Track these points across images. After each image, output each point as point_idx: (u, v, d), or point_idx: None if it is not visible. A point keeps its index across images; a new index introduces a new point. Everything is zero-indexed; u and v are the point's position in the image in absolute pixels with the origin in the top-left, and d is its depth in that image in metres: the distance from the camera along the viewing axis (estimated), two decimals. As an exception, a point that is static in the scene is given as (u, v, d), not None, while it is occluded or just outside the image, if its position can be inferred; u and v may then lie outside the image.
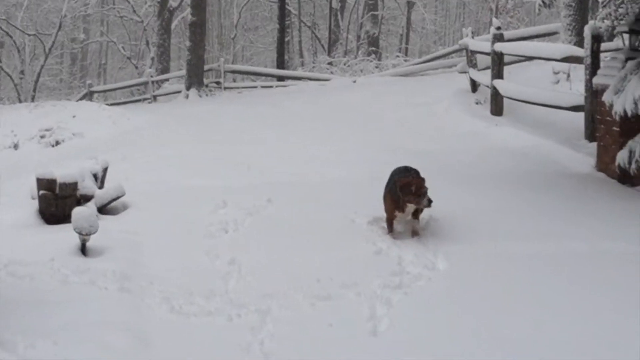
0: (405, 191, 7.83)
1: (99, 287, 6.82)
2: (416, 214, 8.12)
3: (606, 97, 10.41)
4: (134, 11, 42.94)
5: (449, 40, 54.56)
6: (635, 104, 9.55)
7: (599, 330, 5.97)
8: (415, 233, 8.10)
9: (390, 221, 8.22)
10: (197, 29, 29.46)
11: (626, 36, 10.96)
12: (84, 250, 7.66)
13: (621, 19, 11.12)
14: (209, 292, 6.77)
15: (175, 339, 5.90)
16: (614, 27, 11.17)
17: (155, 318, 6.29)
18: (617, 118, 10.22)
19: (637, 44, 10.82)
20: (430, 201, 7.77)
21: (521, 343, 5.80)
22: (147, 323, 6.17)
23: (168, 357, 5.62)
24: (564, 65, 16.15)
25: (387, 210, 8.24)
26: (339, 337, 5.92)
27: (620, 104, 9.84)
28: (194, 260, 7.63)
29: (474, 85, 19.18)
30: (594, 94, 11.82)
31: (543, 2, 11.85)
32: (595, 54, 12.45)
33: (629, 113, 9.72)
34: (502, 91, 15.89)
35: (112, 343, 5.73)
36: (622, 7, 11.12)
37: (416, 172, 8.30)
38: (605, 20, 11.71)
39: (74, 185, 9.05)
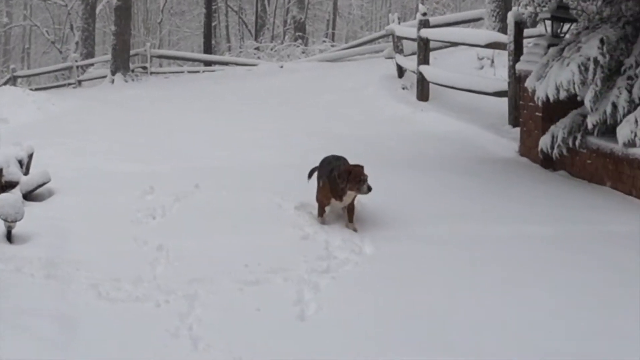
0: (347, 178, 7.81)
1: (24, 274, 6.74)
2: (351, 203, 8.10)
3: (529, 83, 10.62)
4: (59, -5, 42.35)
5: (376, 25, 54.72)
6: (557, 89, 9.76)
7: (511, 303, 6.23)
8: (351, 224, 8.10)
9: (322, 207, 8.22)
10: (123, 13, 29.18)
11: (549, 23, 11.16)
12: (9, 237, 7.57)
13: (544, 6, 11.34)
14: (137, 278, 6.72)
15: (102, 325, 5.86)
16: (536, 14, 11.37)
17: (82, 304, 6.22)
18: (540, 103, 10.44)
19: (559, 30, 11.04)
20: (370, 188, 7.79)
21: (439, 317, 5.98)
22: (73, 309, 6.10)
23: (95, 342, 5.57)
24: (489, 51, 16.44)
25: (322, 197, 8.19)
26: (267, 322, 5.95)
27: (542, 89, 10.06)
28: (122, 246, 7.57)
29: (401, 71, 19.39)
30: (517, 79, 12.06)
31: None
32: (518, 40, 12.69)
33: (551, 98, 9.94)
34: (428, 77, 16.09)
35: (38, 329, 5.67)
36: (544, -7, 11.33)
37: (344, 160, 8.33)
38: (528, 7, 11.93)
39: (-2, 172, 8.95)
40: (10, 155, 9.37)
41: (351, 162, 8.31)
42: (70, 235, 7.89)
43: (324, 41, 37.91)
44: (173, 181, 9.85)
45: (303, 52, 33.45)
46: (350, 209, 8.12)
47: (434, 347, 5.52)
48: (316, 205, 8.37)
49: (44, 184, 9.46)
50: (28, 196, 9.21)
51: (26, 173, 9.59)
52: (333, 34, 46.26)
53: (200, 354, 5.47)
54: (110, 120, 16.69)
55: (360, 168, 7.93)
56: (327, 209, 8.24)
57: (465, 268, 7.02)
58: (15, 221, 7.53)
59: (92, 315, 6.06)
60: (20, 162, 9.51)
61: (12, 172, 9.18)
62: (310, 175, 8.83)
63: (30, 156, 9.84)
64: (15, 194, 8.70)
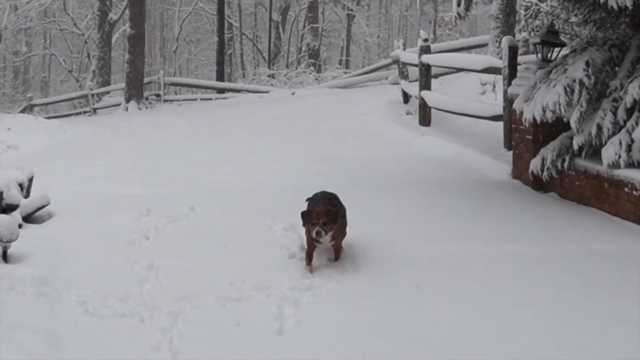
0: (304, 218, 7.56)
1: (17, 291, 7.02)
2: (337, 243, 7.72)
3: (517, 105, 10.84)
4: (75, 24, 42.90)
5: (391, 52, 54.99)
6: (544, 110, 9.96)
7: (493, 320, 6.37)
8: (334, 259, 7.78)
9: (308, 253, 7.71)
10: (136, 42, 29.59)
11: (539, 47, 11.39)
12: (5, 257, 7.85)
13: (536, 32, 11.57)
14: (124, 295, 6.97)
15: (87, 339, 6.10)
16: (527, 40, 11.62)
17: (69, 320, 6.47)
18: (528, 125, 10.64)
19: (549, 55, 11.26)
20: (318, 233, 7.33)
21: (418, 334, 6.13)
22: (61, 325, 6.36)
23: (79, 355, 5.82)
24: (491, 77, 16.63)
25: (307, 241, 7.76)
26: (246, 336, 6.15)
27: (529, 111, 10.26)
28: (113, 266, 7.82)
29: (406, 97, 19.64)
30: (510, 103, 12.23)
31: (458, 14, 12.19)
32: (512, 65, 12.90)
33: (538, 120, 10.14)
34: (429, 102, 16.32)
35: (26, 344, 5.92)
36: (538, 20, 11.57)
37: (334, 197, 8.04)
38: (522, 32, 12.18)
39: (-1, 195, 9.23)
40: (11, 178, 9.68)
41: (346, 188, 8.52)
42: (64, 255, 8.16)
43: (337, 68, 38.24)
44: (170, 204, 10.12)
45: (316, 79, 33.76)
46: (336, 248, 7.78)
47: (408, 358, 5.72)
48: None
49: (43, 206, 9.74)
50: (28, 218, 9.51)
51: (26, 196, 9.88)
52: (347, 60, 46.60)
53: (178, 366, 5.69)
54: (117, 146, 17.05)
55: (319, 210, 7.48)
56: (315, 254, 7.71)
57: (448, 286, 7.18)
58: (10, 241, 7.81)
59: (79, 330, 6.31)
60: (20, 186, 9.82)
61: (13, 195, 9.48)
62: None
63: (31, 180, 10.14)
64: (15, 216, 8.99)
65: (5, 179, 9.56)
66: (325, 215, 7.39)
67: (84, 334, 6.22)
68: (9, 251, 7.90)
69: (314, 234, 7.36)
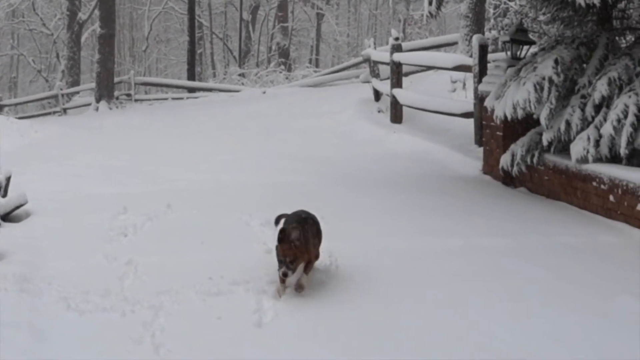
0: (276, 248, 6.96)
1: (-1, 289, 7.12)
2: (306, 267, 7.10)
3: (488, 102, 11.03)
4: (44, 24, 42.77)
5: (362, 51, 55.16)
6: (514, 108, 10.15)
7: (459, 312, 6.55)
8: (299, 287, 6.95)
9: (280, 283, 7.05)
10: (106, 41, 29.58)
11: (508, 45, 11.59)
12: (-16, 255, 7.94)
13: (506, 30, 11.77)
14: (105, 291, 7.07)
15: (69, 334, 6.21)
16: (497, 38, 11.81)
17: (52, 315, 6.57)
18: (498, 122, 10.84)
19: (518, 53, 11.46)
20: (285, 275, 6.81)
21: (391, 325, 6.30)
22: (44, 320, 6.46)
23: (62, 350, 5.92)
24: (461, 74, 16.83)
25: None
26: (226, 329, 6.29)
27: (500, 108, 10.45)
28: (92, 262, 7.91)
29: (377, 95, 19.79)
30: (481, 100, 12.42)
31: (430, 13, 12.38)
32: (482, 62, 13.10)
33: (509, 117, 10.34)
34: (400, 100, 16.50)
35: (8, 339, 6.00)
36: (507, 18, 11.76)
37: (312, 219, 7.50)
38: (492, 31, 12.39)
39: (-24, 194, 9.30)
40: (-12, 178, 9.73)
41: (319, 185, 8.59)
42: (44, 252, 8.25)
43: (307, 67, 38.40)
44: (146, 202, 10.21)
45: (286, 78, 33.89)
46: (302, 284, 6.97)
47: (383, 351, 5.88)
48: None
49: (21, 205, 9.81)
50: (6, 217, 9.56)
51: (4, 195, 9.93)
52: (317, 59, 46.75)
53: (161, 359, 5.80)
54: (89, 146, 17.10)
55: (284, 247, 6.87)
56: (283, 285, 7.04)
57: (419, 279, 7.36)
58: (-11, 240, 7.89)
59: (61, 325, 6.40)
60: (-2, 185, 9.87)
61: (-10, 194, 9.54)
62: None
63: (8, 179, 10.19)
64: (-8, 215, 9.07)
65: (-17, 179, 9.64)
66: (292, 253, 6.83)
67: (66, 329, 6.31)
68: (-12, 249, 7.99)
69: (280, 274, 6.83)
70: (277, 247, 6.93)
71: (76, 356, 5.83)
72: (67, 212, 9.93)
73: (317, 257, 7.38)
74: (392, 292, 7.03)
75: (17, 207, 9.79)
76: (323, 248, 7.59)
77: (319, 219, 7.60)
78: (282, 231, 7.02)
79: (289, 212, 8.34)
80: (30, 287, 7.18)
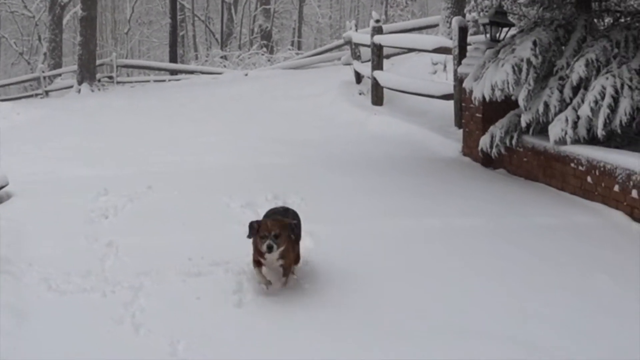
0: (251, 231, 6.65)
1: (-21, 270, 7.16)
2: (286, 261, 6.69)
3: (466, 84, 11.11)
4: (25, 6, 42.59)
5: (343, 33, 55.12)
6: (493, 89, 10.23)
7: (443, 293, 6.61)
8: (282, 283, 6.77)
9: (257, 269, 6.79)
10: (88, 24, 29.45)
11: (488, 28, 11.66)
12: (-34, 237, 7.97)
13: (485, 12, 11.82)
14: (86, 272, 7.12)
15: (51, 315, 6.26)
16: (477, 20, 11.86)
17: (33, 296, 6.62)
18: (477, 103, 10.92)
19: (497, 35, 11.53)
20: (269, 247, 6.39)
21: (368, 302, 6.42)
22: (25, 301, 6.51)
23: (43, 330, 5.98)
24: (442, 57, 16.88)
25: (253, 257, 6.82)
26: (206, 309, 6.35)
27: (479, 89, 10.53)
28: (74, 244, 7.95)
29: (359, 77, 19.84)
30: (460, 82, 12.49)
31: (411, -5, 12.46)
32: (462, 45, 13.16)
33: (487, 98, 10.41)
34: (381, 82, 16.56)
35: (-9, 319, 6.09)
36: (487, 0, 11.80)
37: (293, 213, 7.28)
38: (472, 13, 12.43)
39: (-42, 176, 9.32)
40: (-31, 160, 9.74)
41: (301, 166, 8.63)
42: (25, 234, 8.28)
43: (289, 49, 38.37)
44: (127, 184, 10.25)
45: (268, 60, 33.88)
46: (285, 266, 6.74)
47: (361, 327, 5.96)
48: None
49: (2, 187, 9.83)
50: (-14, 200, 9.59)
51: (-15, 177, 9.97)
52: (299, 42, 46.71)
53: (141, 339, 5.86)
54: (71, 128, 17.12)
55: (267, 222, 6.60)
56: (264, 271, 6.80)
57: (398, 259, 7.44)
58: (-29, 221, 7.92)
59: (42, 306, 6.46)
60: (-22, 167, 9.89)
61: (-29, 176, 9.56)
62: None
63: (-11, 161, 10.22)
64: (-26, 197, 9.09)
65: (-37, 161, 9.66)
66: (278, 227, 6.49)
67: (48, 310, 6.37)
68: (-31, 231, 8.02)
69: (264, 248, 6.41)
70: (255, 225, 6.59)
71: (57, 336, 5.88)
72: (48, 194, 9.97)
73: (296, 255, 6.95)
74: (370, 273, 7.09)
75: (-1, 189, 9.82)
76: (304, 229, 7.67)
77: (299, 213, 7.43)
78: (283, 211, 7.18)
79: (269, 195, 8.44)
80: (11, 268, 7.22)
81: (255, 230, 6.58)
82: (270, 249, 6.40)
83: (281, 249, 6.50)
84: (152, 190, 9.93)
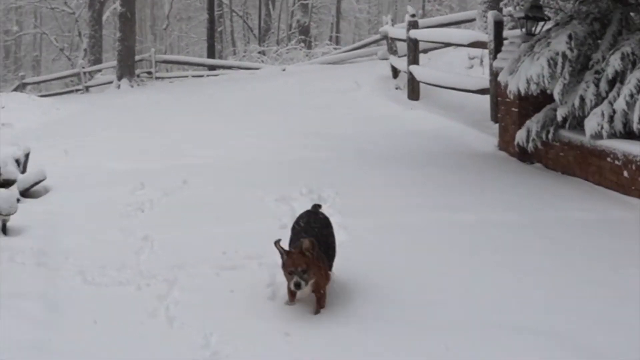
0: (282, 263, 6.10)
1: (17, 262, 7.27)
2: (318, 290, 6.18)
3: (501, 78, 11.06)
4: (66, 3, 42.96)
5: (380, 28, 54.97)
6: (528, 83, 10.18)
7: (476, 288, 6.58)
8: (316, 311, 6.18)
9: (290, 290, 6.30)
10: (127, 20, 29.69)
11: (523, 22, 11.60)
12: (4, 230, 8.08)
13: (521, 6, 11.77)
14: (121, 265, 7.20)
15: (85, 306, 6.34)
16: (512, 14, 11.80)
17: (68, 288, 6.72)
18: (512, 97, 10.88)
19: (533, 29, 11.47)
20: (297, 285, 5.91)
21: (396, 295, 6.42)
22: (60, 293, 6.60)
23: (77, 321, 6.05)
24: (478, 51, 16.82)
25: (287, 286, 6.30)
26: (239, 301, 6.37)
27: (514, 83, 10.49)
28: (109, 237, 8.06)
29: (395, 72, 19.81)
30: (496, 76, 12.43)
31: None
32: (498, 39, 13.09)
33: (522, 92, 10.38)
34: (417, 76, 16.54)
35: (26, 310, 6.17)
36: (524, -6, 11.74)
37: (324, 219, 6.84)
38: (508, 7, 12.38)
39: (-4, 171, 9.45)
40: (7, 155, 9.88)
41: (335, 161, 8.61)
42: (61, 227, 8.41)
43: (327, 44, 38.35)
44: (163, 178, 10.36)
45: (306, 55, 33.87)
46: (318, 296, 6.22)
47: (389, 319, 5.96)
48: None
49: (40, 181, 9.96)
50: (25, 193, 9.72)
51: (23, 172, 10.11)
52: (337, 37, 46.68)
53: (174, 331, 5.91)
54: (110, 122, 17.26)
55: (295, 257, 5.98)
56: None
57: (431, 252, 7.43)
58: (9, 214, 8.04)
59: (77, 298, 6.55)
60: (17, 161, 10.03)
61: (10, 170, 9.69)
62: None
63: (27, 156, 10.35)
64: (13, 191, 9.20)
65: (2, 155, 9.77)
66: (304, 262, 5.94)
67: (83, 301, 6.45)
68: (8, 224, 8.13)
69: (292, 286, 5.99)
70: (284, 254, 6.04)
71: (91, 328, 5.95)
72: (85, 188, 10.10)
73: (328, 279, 6.34)
74: (404, 265, 7.11)
75: (36, 183, 9.93)
76: (338, 223, 7.68)
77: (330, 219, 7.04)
78: (296, 222, 6.71)
79: (304, 189, 8.45)
80: (47, 261, 7.34)
81: (282, 262, 6.07)
82: (298, 286, 5.93)
83: (311, 282, 6.00)
84: (187, 185, 10.02)
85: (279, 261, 6.15)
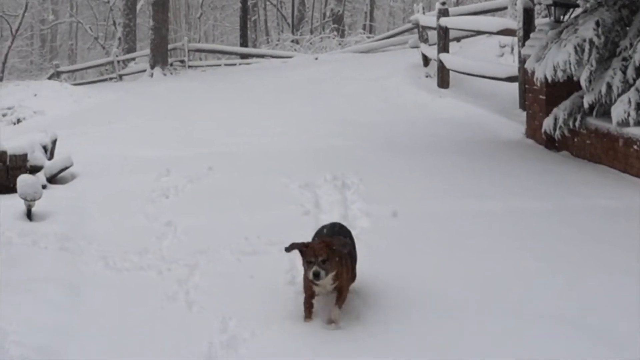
0: (301, 254, 5.76)
1: (39, 247, 7.34)
2: (339, 285, 5.83)
3: (528, 65, 11.00)
4: (100, -9, 43.19)
5: (412, 16, 54.79)
6: (555, 69, 10.11)
7: (500, 274, 6.57)
8: (331, 321, 5.76)
9: (306, 299, 5.95)
10: (160, 9, 29.74)
11: (552, 9, 11.54)
12: (29, 215, 8.16)
13: (550, -7, 11.69)
14: (143, 250, 7.27)
15: (106, 290, 6.41)
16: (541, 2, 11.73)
17: (90, 273, 6.79)
18: (539, 85, 10.81)
19: (561, 16, 11.39)
20: (316, 274, 5.57)
21: (423, 284, 6.37)
22: (82, 277, 6.68)
23: (97, 305, 6.12)
24: (509, 39, 16.74)
25: (304, 284, 6.00)
26: (258, 286, 6.41)
27: (541, 70, 10.42)
28: (133, 223, 8.14)
29: (426, 60, 19.76)
30: (524, 64, 12.36)
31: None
32: (527, 26, 13.01)
33: (549, 79, 10.30)
34: (447, 64, 16.50)
35: (47, 295, 6.23)
36: (554, -19, 11.65)
37: (347, 230, 6.47)
38: (536, -6, 12.31)
39: (23, 157, 9.53)
40: (35, 141, 9.98)
41: (363, 149, 8.61)
42: (86, 213, 8.50)
43: (361, 33, 38.28)
44: (189, 165, 10.43)
45: (339, 44, 33.83)
46: (339, 291, 5.87)
47: (409, 303, 5.97)
48: None
49: (66, 168, 10.06)
50: (52, 179, 9.83)
51: (50, 158, 10.19)
52: (371, 26, 46.54)
53: (193, 315, 5.96)
54: (140, 110, 17.39)
55: (315, 246, 5.71)
56: (314, 302, 5.91)
57: (455, 239, 7.41)
58: (34, 200, 8.12)
59: (98, 282, 6.64)
60: (44, 148, 10.11)
61: (37, 157, 9.78)
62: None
63: (54, 142, 10.44)
64: (40, 177, 9.29)
65: (30, 142, 9.87)
66: (325, 251, 5.63)
67: (104, 286, 6.53)
68: (33, 209, 8.20)
69: (310, 275, 5.61)
70: (303, 247, 5.73)
71: (111, 312, 6.02)
72: (111, 174, 10.20)
73: (351, 277, 6.13)
74: (427, 250, 7.13)
75: (63, 170, 10.03)
76: (361, 210, 7.66)
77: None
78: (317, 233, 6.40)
79: (328, 175, 8.45)
80: (70, 245, 7.41)
81: (304, 255, 5.72)
82: (317, 276, 5.57)
83: (331, 274, 5.67)
84: (212, 171, 10.06)
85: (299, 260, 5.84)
